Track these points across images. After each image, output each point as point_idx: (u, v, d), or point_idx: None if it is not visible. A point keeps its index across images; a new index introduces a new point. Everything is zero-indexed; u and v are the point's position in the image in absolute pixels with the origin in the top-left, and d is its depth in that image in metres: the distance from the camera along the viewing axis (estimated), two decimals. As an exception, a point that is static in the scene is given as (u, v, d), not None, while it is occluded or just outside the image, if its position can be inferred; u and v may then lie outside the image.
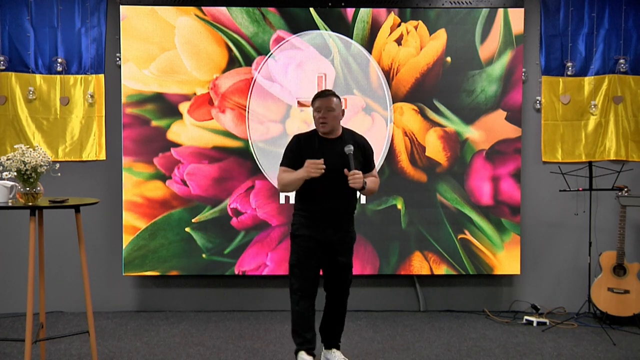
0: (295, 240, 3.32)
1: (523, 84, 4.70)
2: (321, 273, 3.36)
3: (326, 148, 3.24)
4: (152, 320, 4.51)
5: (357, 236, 4.62)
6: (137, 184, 4.54)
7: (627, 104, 4.76)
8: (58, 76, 4.62)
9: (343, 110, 3.33)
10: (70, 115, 4.64)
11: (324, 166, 3.10)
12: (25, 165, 2.95)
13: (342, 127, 3.35)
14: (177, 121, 4.55)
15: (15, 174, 2.97)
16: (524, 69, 4.69)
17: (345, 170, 3.12)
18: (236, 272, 4.60)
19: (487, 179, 4.65)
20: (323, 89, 4.56)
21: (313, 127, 3.36)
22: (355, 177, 3.11)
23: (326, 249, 3.27)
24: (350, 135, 3.35)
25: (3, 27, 4.59)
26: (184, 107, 4.55)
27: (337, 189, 3.19)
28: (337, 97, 3.29)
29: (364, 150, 3.34)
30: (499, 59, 4.62)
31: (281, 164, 3.30)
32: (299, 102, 4.55)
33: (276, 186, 4.28)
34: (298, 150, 3.26)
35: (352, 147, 3.17)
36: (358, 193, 3.33)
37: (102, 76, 4.65)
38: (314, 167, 3.09)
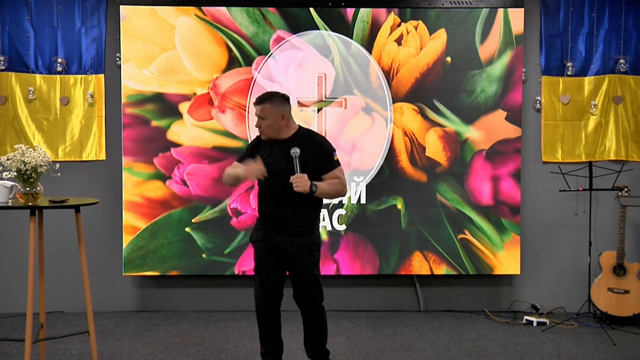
0: (253, 247, 3.20)
1: (523, 84, 4.70)
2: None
3: (276, 149, 3.09)
4: (152, 320, 4.51)
5: (357, 236, 4.64)
6: (137, 184, 4.54)
7: (627, 104, 4.76)
8: (58, 76, 4.62)
9: (285, 114, 3.08)
10: (70, 115, 4.64)
11: (265, 172, 2.95)
12: (25, 165, 2.95)
13: (299, 127, 3.17)
14: (177, 121, 4.55)
15: (15, 174, 2.97)
16: (524, 69, 4.69)
17: (291, 177, 2.94)
18: (236, 272, 4.60)
19: (487, 179, 4.65)
20: (323, 89, 4.58)
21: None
22: (297, 180, 2.92)
23: (282, 255, 3.10)
24: (306, 135, 3.15)
25: (3, 27, 4.59)
26: (184, 107, 4.55)
27: (287, 193, 2.98)
28: (276, 100, 3.08)
29: (319, 150, 3.10)
30: (499, 59, 4.62)
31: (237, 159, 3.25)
32: (299, 102, 4.55)
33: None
34: (251, 149, 3.21)
35: (298, 150, 2.96)
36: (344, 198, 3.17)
37: (102, 76, 4.65)
38: (255, 170, 2.96)
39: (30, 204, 3.00)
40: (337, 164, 3.14)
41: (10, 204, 3.01)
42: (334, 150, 3.16)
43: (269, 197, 3.11)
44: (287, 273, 3.19)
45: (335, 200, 4.55)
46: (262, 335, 3.22)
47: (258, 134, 3.20)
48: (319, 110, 4.57)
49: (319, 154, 3.09)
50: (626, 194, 4.38)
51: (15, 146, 3.03)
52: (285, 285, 3.21)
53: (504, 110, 4.64)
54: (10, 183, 3.04)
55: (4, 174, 3.01)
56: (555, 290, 4.84)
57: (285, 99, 3.14)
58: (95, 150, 4.67)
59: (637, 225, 4.81)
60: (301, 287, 3.12)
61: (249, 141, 4.54)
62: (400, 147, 4.62)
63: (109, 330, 4.27)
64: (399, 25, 4.59)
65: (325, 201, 3.36)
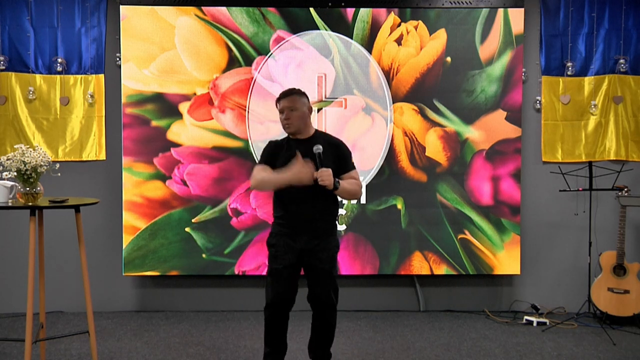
0: (269, 250, 3.14)
1: (523, 84, 4.70)
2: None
3: (296, 149, 3.03)
4: (152, 320, 4.51)
5: (357, 236, 4.63)
6: (137, 184, 4.54)
7: (627, 104, 4.76)
8: (58, 76, 4.62)
9: (310, 108, 3.15)
10: (70, 115, 4.64)
11: (314, 176, 2.90)
12: (25, 165, 2.95)
13: (315, 130, 3.19)
14: (177, 121, 4.55)
15: (15, 174, 2.97)
16: (524, 69, 4.69)
17: (315, 173, 2.92)
18: (236, 272, 4.60)
19: (487, 179, 4.65)
20: (323, 89, 4.58)
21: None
22: (322, 174, 2.90)
23: (302, 258, 3.07)
24: (324, 137, 3.17)
25: (3, 27, 4.59)
26: (184, 107, 4.55)
27: (309, 192, 2.97)
28: (302, 94, 3.13)
29: (337, 151, 3.12)
30: (499, 59, 4.62)
31: (259, 162, 3.19)
32: (299, 102, 4.54)
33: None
34: (272, 152, 3.15)
35: (320, 147, 2.99)
36: (340, 199, 3.19)
37: (102, 76, 4.65)
38: (304, 173, 2.89)
39: (30, 204, 2.99)
40: (353, 166, 3.18)
41: (10, 204, 3.01)
42: (351, 153, 3.20)
43: (293, 197, 3.06)
44: (302, 272, 3.16)
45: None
46: (268, 337, 3.19)
47: (265, 135, 3.20)
48: (319, 110, 4.58)
49: (337, 155, 3.12)
50: (626, 194, 4.38)
51: (15, 146, 3.02)
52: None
53: (504, 110, 4.64)
54: (10, 183, 3.04)
55: (4, 174, 3.01)
56: (555, 290, 4.84)
57: (306, 95, 3.19)
58: (95, 150, 4.67)
59: (637, 225, 4.81)
60: (320, 287, 3.10)
61: (249, 141, 4.54)
62: (400, 147, 4.62)
63: (109, 330, 4.27)
64: (399, 25, 4.59)
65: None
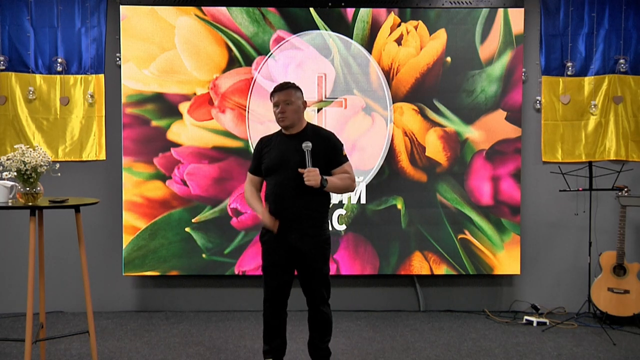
0: (262, 246, 3.17)
1: (523, 84, 4.70)
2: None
3: (286, 144, 3.09)
4: (152, 320, 4.51)
5: (357, 236, 4.63)
6: (137, 184, 4.54)
7: (627, 104, 4.76)
8: (58, 76, 4.62)
9: (305, 102, 3.17)
10: (70, 115, 4.64)
11: (275, 230, 3.04)
12: (25, 165, 2.95)
13: (307, 123, 3.18)
14: (177, 121, 4.55)
15: (15, 174, 2.97)
16: (524, 69, 4.69)
17: (300, 169, 2.95)
18: (236, 272, 4.60)
19: (487, 179, 4.65)
20: (323, 88, 4.58)
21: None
22: (309, 174, 2.91)
23: (293, 254, 3.08)
24: (314, 130, 3.16)
25: (3, 27, 4.59)
26: (184, 107, 4.55)
27: (298, 188, 2.99)
28: (297, 88, 3.14)
29: (328, 144, 3.11)
30: (499, 59, 4.62)
31: (249, 168, 3.28)
32: (299, 102, 4.54)
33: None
34: (258, 153, 3.20)
35: (310, 144, 2.97)
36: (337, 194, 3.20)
37: (102, 76, 4.65)
38: (268, 221, 3.06)
39: (30, 204, 3.00)
40: (345, 159, 3.16)
41: (10, 204, 3.01)
42: (342, 145, 3.18)
43: (280, 193, 3.06)
44: (295, 273, 3.18)
45: (335, 200, 4.56)
46: (267, 333, 3.22)
47: (264, 134, 3.23)
48: (319, 110, 4.58)
49: (328, 149, 3.10)
50: (626, 194, 4.38)
51: (15, 146, 3.02)
52: (293, 285, 3.21)
53: (504, 110, 4.64)
54: (10, 183, 3.04)
55: (4, 174, 3.01)
56: (555, 290, 4.84)
57: (301, 89, 3.19)
58: (95, 150, 4.68)
59: (637, 225, 4.81)
60: (311, 284, 3.12)
61: (249, 141, 4.55)
62: (400, 147, 4.62)
63: (109, 330, 4.27)
64: (399, 25, 4.59)
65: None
